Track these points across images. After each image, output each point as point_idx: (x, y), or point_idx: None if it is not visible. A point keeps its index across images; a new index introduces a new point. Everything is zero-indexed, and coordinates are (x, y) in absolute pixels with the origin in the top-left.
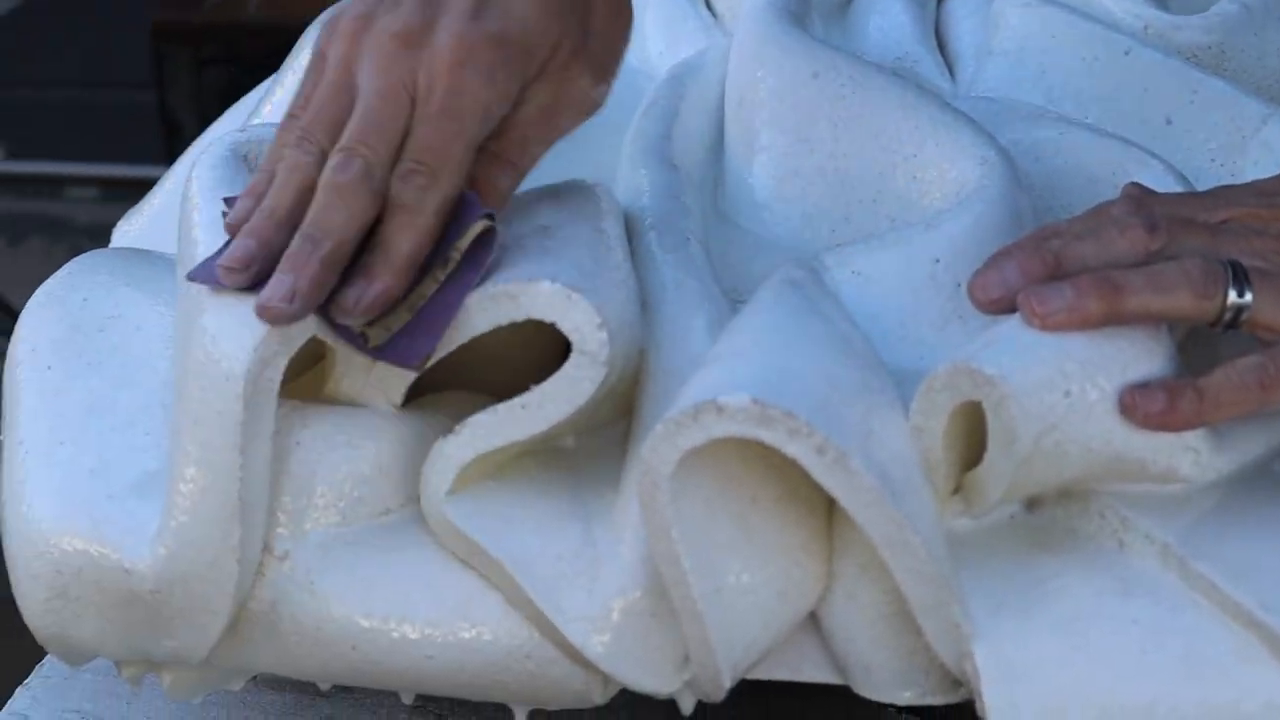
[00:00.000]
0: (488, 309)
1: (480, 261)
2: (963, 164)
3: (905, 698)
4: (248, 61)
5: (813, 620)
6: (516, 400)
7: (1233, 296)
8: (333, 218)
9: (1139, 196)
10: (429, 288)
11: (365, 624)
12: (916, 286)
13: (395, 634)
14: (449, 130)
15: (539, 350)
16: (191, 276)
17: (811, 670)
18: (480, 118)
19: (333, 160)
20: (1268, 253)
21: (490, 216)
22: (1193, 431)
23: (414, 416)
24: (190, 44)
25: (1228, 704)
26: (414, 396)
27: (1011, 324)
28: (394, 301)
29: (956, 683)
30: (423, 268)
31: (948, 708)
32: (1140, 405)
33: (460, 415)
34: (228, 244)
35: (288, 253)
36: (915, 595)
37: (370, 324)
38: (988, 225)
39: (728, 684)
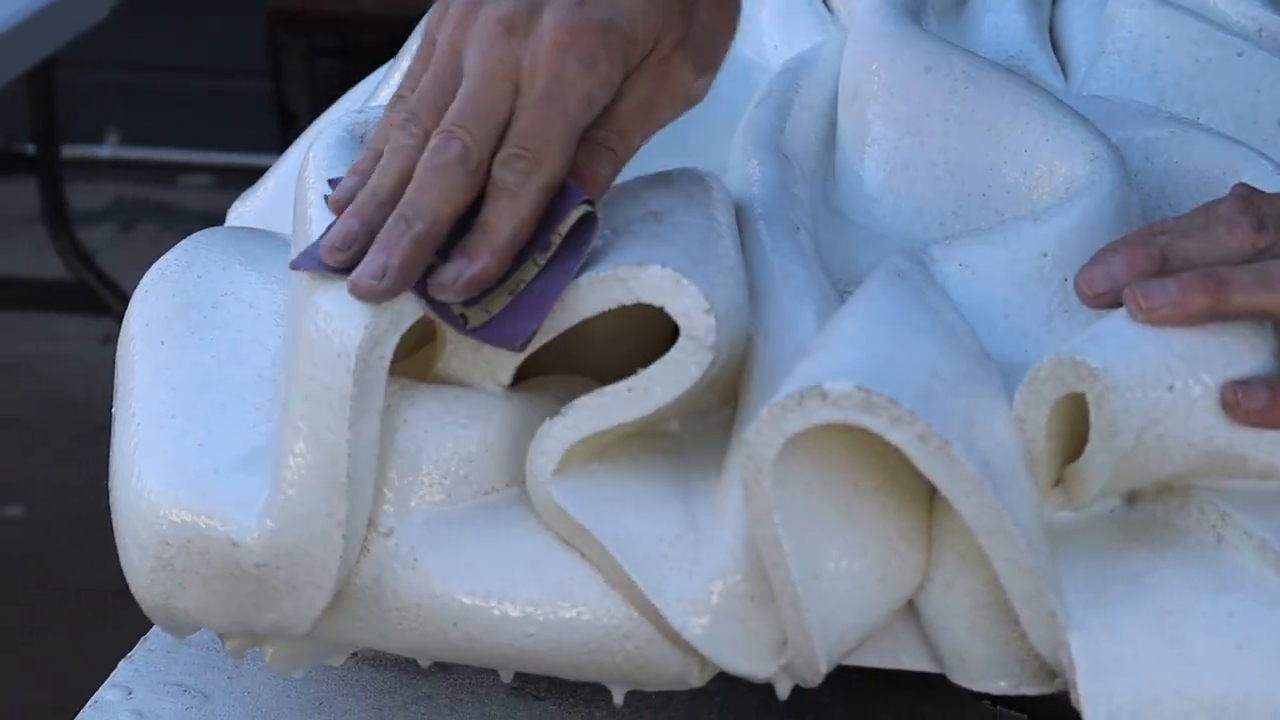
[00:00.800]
0: (597, 292)
1: (581, 248)
2: (1073, 160)
3: (1000, 687)
4: (362, 52)
5: (910, 608)
6: (623, 383)
7: None
8: (427, 198)
9: (1247, 195)
10: (529, 272)
11: (467, 601)
12: (1023, 280)
13: (496, 612)
14: (552, 115)
15: (647, 335)
16: (295, 264)
17: (907, 658)
18: (583, 104)
19: (433, 142)
20: None
21: (590, 203)
22: None
23: (521, 398)
24: (306, 33)
25: None
26: (521, 379)
27: (1117, 318)
28: (492, 281)
29: (1051, 673)
30: (522, 253)
31: (1042, 700)
32: (1243, 402)
33: (567, 398)
34: (331, 227)
35: (382, 231)
36: (1013, 585)
37: (469, 305)
38: (1096, 221)
39: (824, 669)
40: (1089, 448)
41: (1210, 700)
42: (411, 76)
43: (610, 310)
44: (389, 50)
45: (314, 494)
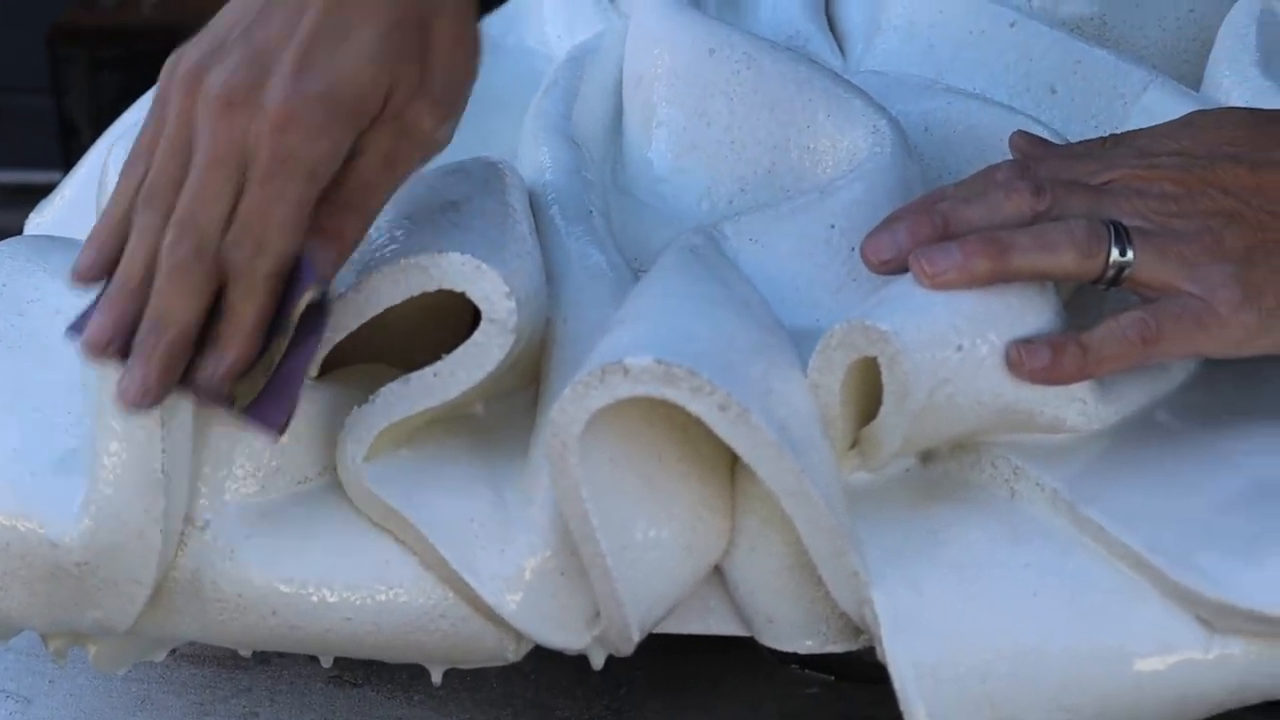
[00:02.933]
0: (400, 281)
1: (317, 327)
2: (854, 134)
3: (808, 646)
4: (144, 62)
5: (717, 574)
6: (428, 369)
7: (1115, 255)
8: (173, 303)
9: (1024, 160)
10: (279, 349)
11: (285, 589)
12: (813, 252)
13: (314, 598)
14: (274, 194)
15: (450, 321)
16: (70, 333)
17: (717, 623)
18: (307, 179)
19: (168, 237)
20: (1148, 213)
21: (325, 283)
22: (1079, 384)
23: (329, 388)
24: (88, 46)
25: (1117, 645)
26: (329, 369)
27: (904, 283)
28: (247, 365)
29: (857, 630)
30: (271, 328)
31: (849, 663)
32: (1026, 360)
33: (374, 387)
34: (87, 313)
35: (136, 340)
36: (815, 545)
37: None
38: (879, 191)
39: (637, 638)
40: (882, 409)
41: (1009, 648)
42: (146, 138)
43: (413, 298)
44: None
45: (130, 492)
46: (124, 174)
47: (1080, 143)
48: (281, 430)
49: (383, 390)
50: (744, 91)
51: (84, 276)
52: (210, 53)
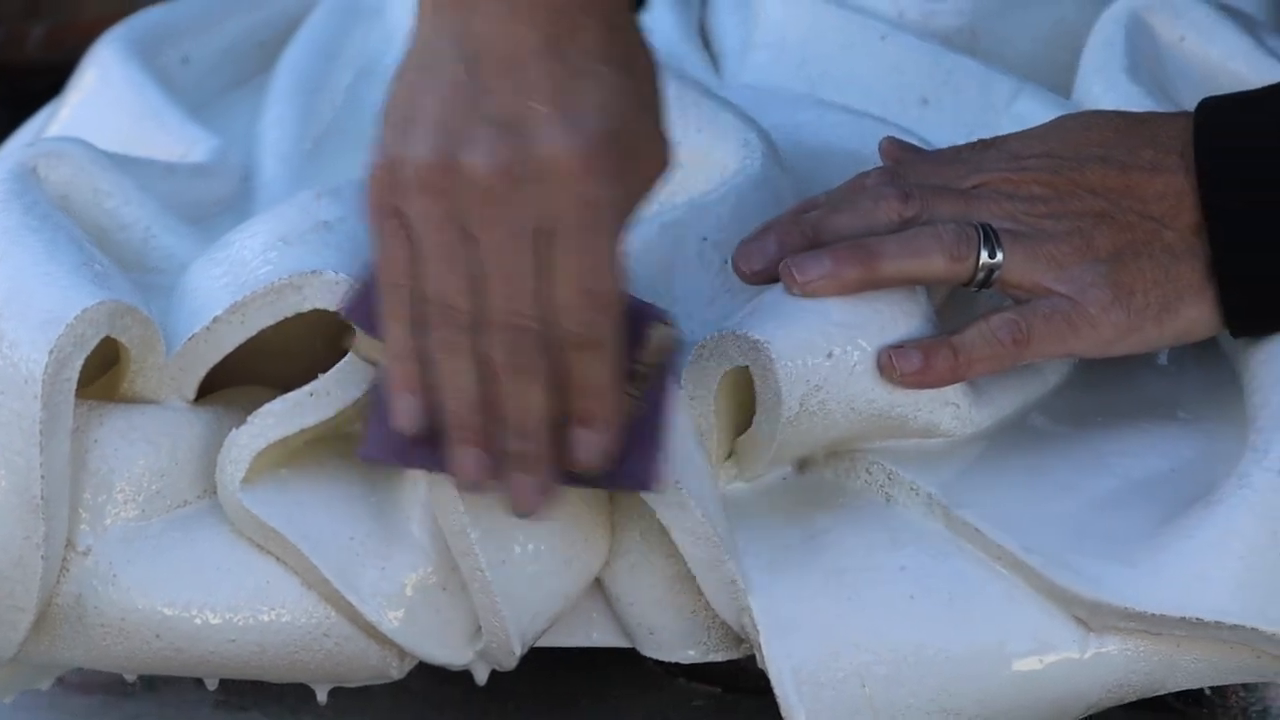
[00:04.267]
0: (274, 302)
1: (674, 366)
2: (725, 147)
3: (690, 656)
4: (30, 100)
5: (599, 586)
6: (305, 389)
7: (984, 257)
8: (528, 403)
9: (894, 167)
10: (628, 404)
11: (168, 612)
12: (685, 264)
13: (197, 620)
14: (594, 248)
15: (326, 341)
16: (375, 456)
17: (599, 635)
18: (618, 221)
19: (499, 340)
20: (1017, 215)
21: (666, 318)
22: (952, 387)
23: (207, 411)
24: None
25: (994, 644)
26: (207, 392)
27: (775, 292)
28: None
29: (738, 639)
30: None
31: (735, 675)
32: (897, 364)
33: (252, 409)
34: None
35: (513, 451)
36: (693, 556)
37: None
38: (751, 203)
39: (518, 651)
40: (756, 418)
41: (887, 650)
42: (396, 262)
43: (290, 318)
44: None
45: (10, 518)
46: (388, 309)
47: (950, 148)
48: (656, 487)
49: (259, 411)
50: None
51: (413, 425)
52: (439, 146)
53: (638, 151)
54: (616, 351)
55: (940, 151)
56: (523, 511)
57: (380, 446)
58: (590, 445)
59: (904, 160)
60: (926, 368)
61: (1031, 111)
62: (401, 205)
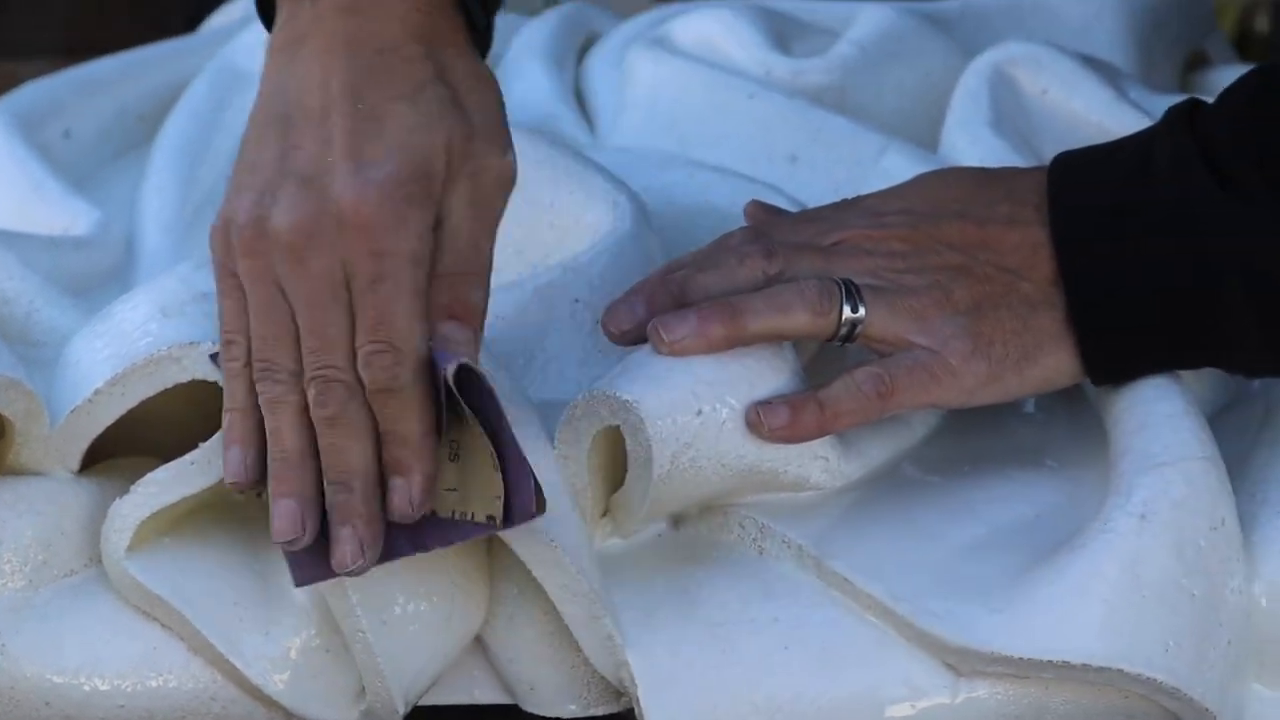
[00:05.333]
0: (154, 374)
1: (493, 395)
2: (596, 209)
3: (571, 711)
4: None
5: (480, 643)
6: (186, 457)
7: (847, 312)
8: (348, 457)
9: (758, 226)
10: (477, 438)
11: (57, 680)
12: (559, 326)
13: (86, 687)
14: (385, 296)
15: (206, 410)
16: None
17: (481, 692)
18: (411, 265)
19: (311, 395)
20: (878, 270)
21: (464, 360)
22: (821, 441)
23: (92, 481)
24: None
25: (867, 691)
26: (92, 462)
27: (644, 352)
28: (434, 478)
29: (618, 693)
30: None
31: None
32: (765, 420)
33: (136, 477)
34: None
35: (332, 506)
36: (569, 612)
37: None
38: (621, 264)
39: (402, 710)
40: (628, 476)
41: (762, 702)
42: (231, 317)
43: (170, 389)
44: None
45: None
46: (225, 364)
47: (813, 208)
48: (541, 508)
49: (142, 481)
50: None
51: (244, 482)
52: (254, 205)
53: (431, 188)
54: (422, 400)
55: (803, 211)
56: (343, 567)
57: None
58: (403, 494)
59: (767, 220)
60: (794, 422)
61: (899, 166)
62: (232, 264)
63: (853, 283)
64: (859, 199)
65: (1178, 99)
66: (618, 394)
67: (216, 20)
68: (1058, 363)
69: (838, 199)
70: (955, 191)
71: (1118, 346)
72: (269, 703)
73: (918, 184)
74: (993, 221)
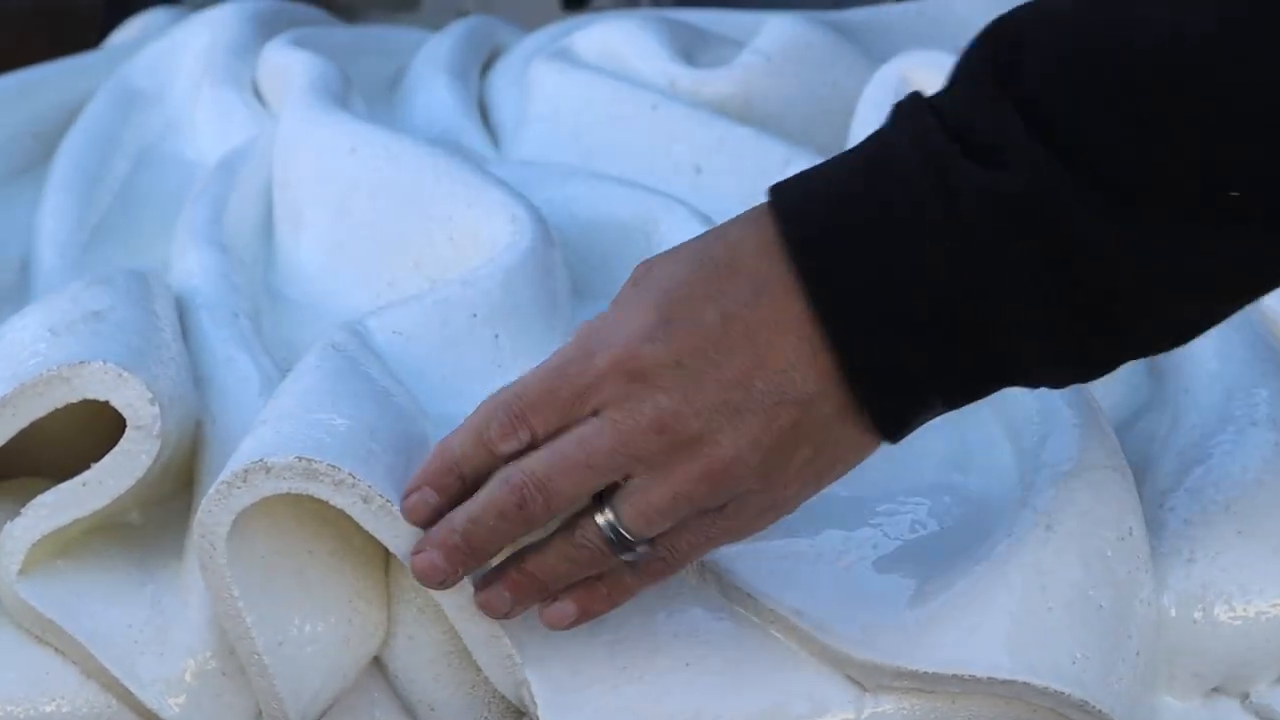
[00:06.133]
0: (44, 393)
1: None
2: (494, 223)
3: None
4: None
5: (379, 665)
6: (78, 478)
7: (625, 556)
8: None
9: (516, 407)
10: None
11: None
12: (456, 341)
13: None
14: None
15: (96, 430)
16: None
17: (382, 714)
18: None
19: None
20: (649, 492)
21: None
22: None
23: None
24: None
25: (771, 707)
26: None
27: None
28: None
29: (519, 712)
30: None
31: None
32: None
33: (28, 499)
34: None
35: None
36: (468, 632)
37: None
38: (519, 278)
39: None
40: None
41: (665, 718)
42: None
43: (62, 409)
44: None
45: None
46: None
47: (558, 360)
48: None
49: (33, 503)
50: (385, 187)
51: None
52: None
53: None
54: None
55: (549, 374)
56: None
57: None
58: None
59: (523, 402)
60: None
61: None
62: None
63: (619, 522)
64: (600, 335)
65: None
66: None
67: (117, 38)
68: (860, 456)
69: (743, 209)
70: (699, 288)
71: (911, 410)
72: None
73: (656, 297)
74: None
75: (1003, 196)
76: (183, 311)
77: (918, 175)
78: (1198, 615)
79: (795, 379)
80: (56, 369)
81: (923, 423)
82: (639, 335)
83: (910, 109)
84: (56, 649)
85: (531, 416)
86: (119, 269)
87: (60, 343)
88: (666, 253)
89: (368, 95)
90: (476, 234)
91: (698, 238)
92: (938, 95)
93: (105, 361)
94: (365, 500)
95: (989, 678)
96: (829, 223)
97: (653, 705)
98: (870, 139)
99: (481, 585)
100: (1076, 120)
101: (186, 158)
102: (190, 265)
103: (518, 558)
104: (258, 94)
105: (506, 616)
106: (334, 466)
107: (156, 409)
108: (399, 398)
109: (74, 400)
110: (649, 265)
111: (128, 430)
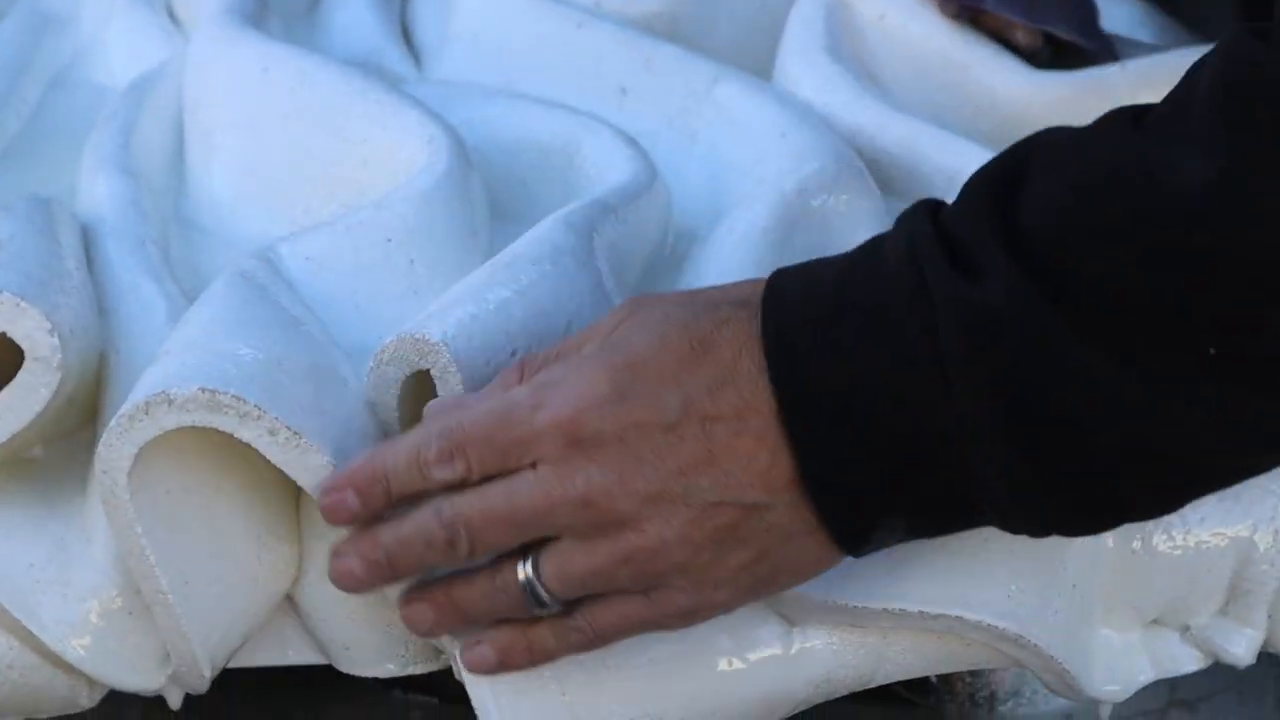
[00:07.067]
0: None
1: None
2: (410, 144)
3: (389, 670)
4: None
5: (291, 603)
6: None
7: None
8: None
9: (454, 437)
10: None
11: None
12: (370, 266)
13: None
14: None
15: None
16: None
17: (295, 653)
18: None
19: None
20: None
21: None
22: None
23: None
24: None
25: (697, 644)
26: None
27: (452, 293)
28: None
29: (436, 651)
30: None
31: (448, 683)
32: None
33: None
34: None
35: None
36: None
37: None
38: (436, 202)
39: (209, 674)
40: None
41: (587, 656)
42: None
43: None
44: None
45: None
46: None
47: (502, 397)
48: None
49: None
50: (298, 109)
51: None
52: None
53: None
54: None
55: (493, 414)
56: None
57: None
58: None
59: (460, 430)
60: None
61: (731, 98)
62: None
63: (541, 587)
64: (557, 389)
65: None
66: (427, 336)
67: None
68: (818, 568)
69: (670, 130)
70: (668, 363)
71: (869, 527)
72: (69, 669)
73: (619, 362)
74: (720, 422)
75: (974, 307)
76: (89, 239)
77: (901, 274)
78: (1136, 545)
79: (744, 481)
80: None
81: (891, 543)
82: (589, 401)
83: (913, 214)
84: None
85: (470, 451)
86: (22, 196)
87: None
88: (660, 301)
89: (286, 16)
90: (392, 157)
91: (696, 294)
92: (945, 206)
93: (2, 291)
94: (272, 433)
95: (920, 611)
96: (809, 314)
97: None
98: (874, 238)
99: (407, 599)
100: (1062, 251)
101: (98, 82)
102: (97, 191)
103: (447, 581)
104: (172, 15)
105: (427, 635)
106: (239, 398)
107: (56, 340)
108: (309, 326)
109: None
110: (636, 307)
111: (26, 362)
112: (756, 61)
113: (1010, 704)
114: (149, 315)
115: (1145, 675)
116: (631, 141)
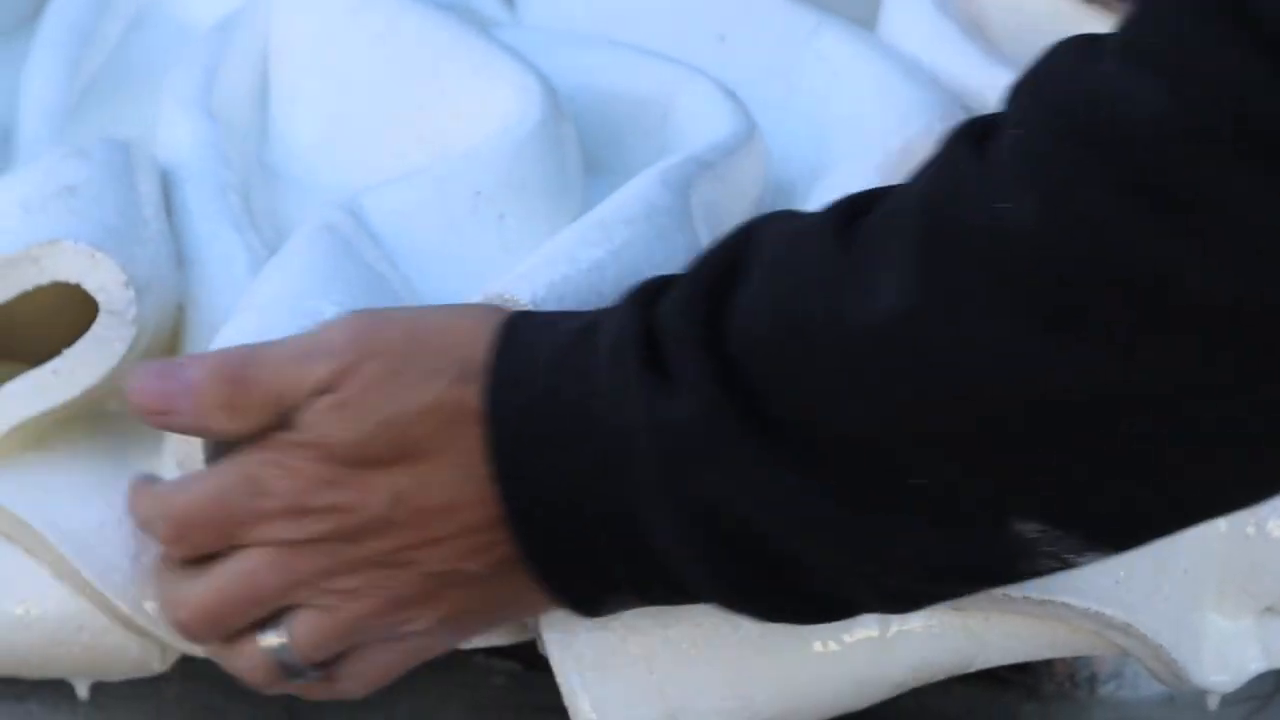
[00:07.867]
0: (10, 276)
1: None
2: (502, 93)
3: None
4: None
5: None
6: (48, 366)
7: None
8: None
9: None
10: None
11: None
12: (458, 220)
13: None
14: None
15: (70, 314)
16: None
17: None
18: None
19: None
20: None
21: None
22: None
23: None
24: None
25: (794, 627)
26: None
27: (548, 251)
28: None
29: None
30: None
31: (531, 649)
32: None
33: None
34: None
35: None
36: None
37: None
38: (528, 153)
39: None
40: None
41: (676, 635)
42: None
43: (34, 291)
44: None
45: None
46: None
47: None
48: None
49: (1, 391)
50: (387, 56)
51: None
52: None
53: None
54: None
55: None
56: None
57: None
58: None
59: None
60: None
61: (834, 48)
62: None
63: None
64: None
65: None
66: (516, 296)
67: None
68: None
69: (769, 79)
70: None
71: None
72: (142, 632)
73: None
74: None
75: (663, 423)
76: (168, 185)
77: (604, 370)
78: (1250, 530)
79: (464, 556)
80: (25, 249)
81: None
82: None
83: (638, 293)
84: (26, 550)
85: (194, 535)
86: (100, 140)
87: (31, 220)
88: (378, 354)
89: None
90: (483, 106)
91: (418, 343)
92: (677, 279)
93: (77, 241)
94: None
95: (1025, 596)
96: (525, 406)
97: (663, 620)
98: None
99: None
100: (758, 372)
101: (182, 20)
102: (178, 135)
103: None
104: None
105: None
106: None
107: (132, 293)
108: (394, 283)
109: (43, 282)
110: (356, 361)
111: (100, 315)
112: (859, 10)
113: (1111, 685)
114: (229, 267)
115: (1257, 664)
116: (731, 94)
